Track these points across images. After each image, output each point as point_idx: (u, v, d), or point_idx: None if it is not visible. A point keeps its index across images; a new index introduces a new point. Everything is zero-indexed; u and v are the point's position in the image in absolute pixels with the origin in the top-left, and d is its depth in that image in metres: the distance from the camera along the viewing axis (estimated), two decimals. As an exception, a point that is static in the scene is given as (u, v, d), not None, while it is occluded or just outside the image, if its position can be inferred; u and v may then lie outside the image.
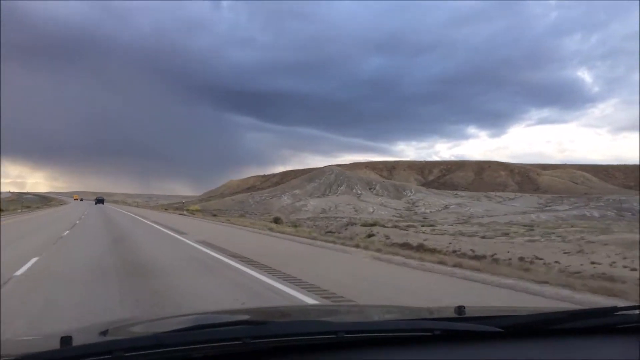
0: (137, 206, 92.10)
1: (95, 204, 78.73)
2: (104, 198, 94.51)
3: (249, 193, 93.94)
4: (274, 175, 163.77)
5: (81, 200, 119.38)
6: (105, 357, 1.11)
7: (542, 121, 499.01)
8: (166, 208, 77.32)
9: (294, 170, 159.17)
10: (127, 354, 1.12)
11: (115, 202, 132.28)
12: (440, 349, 1.37)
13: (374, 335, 1.38)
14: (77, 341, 1.19)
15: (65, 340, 1.18)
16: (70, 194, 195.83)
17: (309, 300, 5.94)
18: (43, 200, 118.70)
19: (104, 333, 1.44)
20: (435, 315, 1.76)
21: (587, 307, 2.54)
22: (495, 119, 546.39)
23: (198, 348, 1.21)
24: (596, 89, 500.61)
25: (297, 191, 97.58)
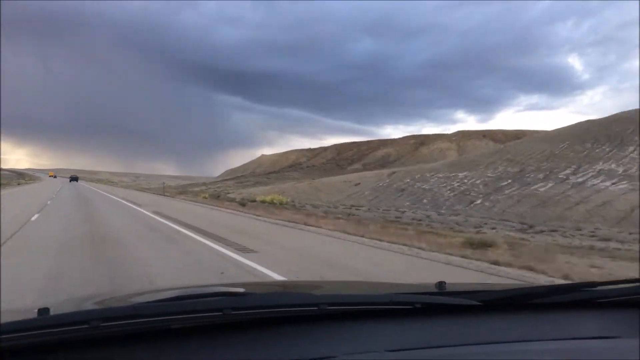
0: (126, 187, 77.17)
1: (70, 181, 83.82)
2: (78, 176, 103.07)
3: (391, 171, 58.87)
4: (324, 149, 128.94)
5: (55, 177, 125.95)
6: (83, 326, 1.12)
7: (531, 107, 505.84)
8: (181, 192, 56.61)
9: (353, 143, 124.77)
10: (104, 324, 1.13)
11: (99, 181, 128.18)
12: (421, 322, 1.45)
13: (355, 308, 1.44)
14: (54, 312, 1.21)
15: (43, 311, 1.20)
16: (55, 172, 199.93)
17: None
18: (17, 177, 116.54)
19: (82, 305, 1.48)
20: (417, 290, 1.79)
21: (566, 283, 2.57)
22: (484, 104, 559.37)
23: (177, 319, 1.23)
24: (586, 76, 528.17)
25: (488, 172, 60.03)
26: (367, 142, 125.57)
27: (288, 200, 37.50)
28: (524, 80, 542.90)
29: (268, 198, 37.09)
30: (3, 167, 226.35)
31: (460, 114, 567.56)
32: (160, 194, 48.18)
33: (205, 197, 43.48)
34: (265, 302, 1.39)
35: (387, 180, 53.35)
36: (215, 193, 53.20)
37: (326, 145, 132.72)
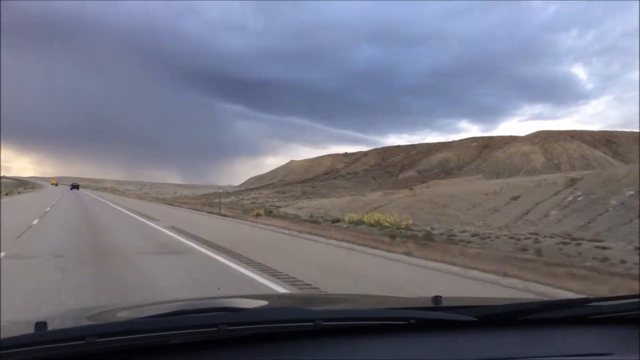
0: (138, 197, 71.66)
1: (71, 189, 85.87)
2: (79, 184, 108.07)
3: (568, 179, 43.87)
4: (363, 154, 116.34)
5: (56, 185, 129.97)
6: (79, 342, 1.15)
7: (534, 117, 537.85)
8: (206, 203, 50.00)
9: (398, 147, 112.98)
10: (100, 340, 1.17)
11: (105, 189, 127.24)
12: (415, 338, 1.49)
13: (351, 324, 1.48)
14: (51, 327, 1.27)
15: (40, 325, 1.23)
16: (58, 180, 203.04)
17: None
18: (19, 185, 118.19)
19: (80, 319, 1.53)
20: (412, 305, 1.87)
21: (561, 299, 2.83)
22: (488, 114, 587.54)
23: (173, 334, 1.27)
24: (590, 85, 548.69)
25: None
26: (413, 146, 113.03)
27: (406, 221, 23.98)
28: (528, 89, 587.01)
29: (371, 218, 23.84)
30: (6, 175, 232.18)
31: (463, 123, 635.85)
32: (188, 208, 40.07)
33: (259, 214, 32.62)
34: (261, 318, 1.44)
35: (571, 194, 38.14)
36: (262, 206, 40.44)
37: (364, 150, 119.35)
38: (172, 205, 46.88)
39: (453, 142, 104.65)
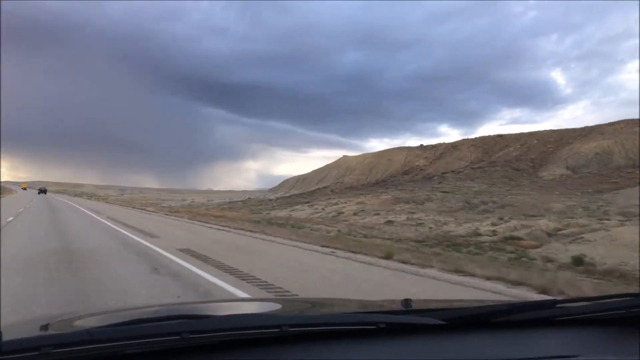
0: (132, 206, 53.92)
1: (38, 193, 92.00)
2: (46, 189, 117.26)
3: None
4: (452, 146, 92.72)
5: (25, 189, 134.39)
6: (33, 353, 1.15)
7: (513, 121, 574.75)
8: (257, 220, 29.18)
9: (500, 136, 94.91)
10: (56, 350, 1.17)
11: (82, 195, 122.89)
12: (385, 342, 1.52)
13: (319, 329, 1.52)
14: (7, 336, 1.24)
15: None
16: (31, 184, 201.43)
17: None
18: None
19: (36, 328, 1.53)
20: (381, 309, 1.96)
21: (529, 301, 2.89)
22: (468, 118, 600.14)
23: (133, 344, 1.27)
24: (568, 90, 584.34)
25: None
26: (530, 134, 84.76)
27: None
28: (508, 93, 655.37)
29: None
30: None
31: (444, 128, 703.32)
32: (279, 240, 14.63)
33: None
34: (226, 325, 1.44)
35: None
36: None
37: (441, 142, 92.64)
38: (214, 223, 25.35)
39: (602, 125, 76.24)
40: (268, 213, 52.54)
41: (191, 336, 1.27)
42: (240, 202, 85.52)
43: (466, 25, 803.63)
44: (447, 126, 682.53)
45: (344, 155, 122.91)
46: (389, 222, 28.87)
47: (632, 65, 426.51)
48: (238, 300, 5.14)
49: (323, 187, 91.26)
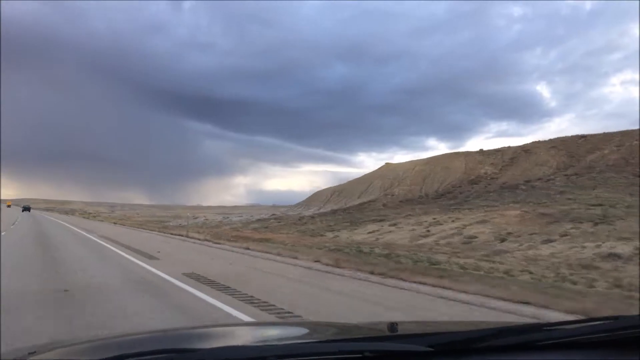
0: (126, 225, 50.09)
1: (22, 211, 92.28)
2: (30, 206, 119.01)
3: None
4: (524, 150, 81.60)
5: (9, 207, 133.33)
6: None
7: (500, 134, 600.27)
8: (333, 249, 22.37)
9: (582, 137, 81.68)
10: None
11: (71, 212, 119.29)
12: None
13: (304, 359, 1.58)
14: None
15: None
16: (19, 201, 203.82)
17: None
18: None
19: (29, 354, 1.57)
20: (367, 334, 2.03)
21: (515, 324, 2.62)
22: (455, 131, 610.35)
23: None
24: (553, 103, 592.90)
25: None
26: (624, 132, 71.60)
27: None
28: (494, 107, 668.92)
29: None
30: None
31: (431, 141, 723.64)
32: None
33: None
34: (213, 357, 1.49)
35: None
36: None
37: (505, 145, 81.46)
38: (275, 252, 16.40)
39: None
40: (322, 235, 41.30)
41: None
42: (272, 220, 75.19)
43: (451, 38, 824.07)
44: (435, 139, 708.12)
45: (387, 163, 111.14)
46: (608, 257, 17.44)
47: (616, 78, 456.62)
48: (227, 325, 5.05)
49: (371, 201, 79.48)
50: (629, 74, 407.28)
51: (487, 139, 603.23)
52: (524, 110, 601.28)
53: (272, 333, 2.52)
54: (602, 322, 1.78)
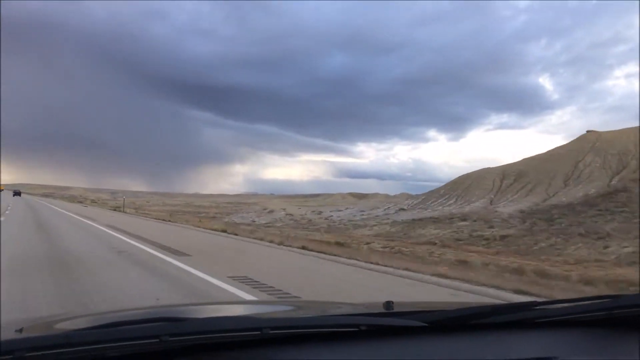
0: (159, 219, 36.46)
1: (13, 196, 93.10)
2: (21, 191, 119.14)
3: None
4: None
5: (1, 190, 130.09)
6: (6, 357, 1.15)
7: (500, 126, 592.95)
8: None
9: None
10: (30, 354, 1.17)
11: (72, 199, 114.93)
12: (366, 344, 1.57)
13: (299, 332, 1.56)
14: None
15: None
16: (17, 187, 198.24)
17: None
18: None
19: (11, 332, 1.52)
20: (363, 311, 1.99)
21: (511, 302, 2.86)
22: (456, 123, 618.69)
23: (111, 347, 1.27)
24: (556, 96, 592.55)
25: None
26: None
27: None
28: (496, 98, 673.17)
29: None
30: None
31: (432, 132, 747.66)
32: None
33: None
34: (205, 327, 1.45)
35: None
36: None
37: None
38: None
39: None
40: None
41: (170, 339, 1.27)
42: (427, 221, 48.97)
43: (454, 28, 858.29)
44: (435, 131, 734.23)
45: (589, 131, 72.84)
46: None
47: (620, 70, 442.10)
48: (219, 302, 5.14)
49: (609, 193, 47.28)
50: (633, 67, 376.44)
51: (487, 130, 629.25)
52: (527, 102, 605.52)
53: (268, 309, 2.50)
54: (598, 301, 1.75)
